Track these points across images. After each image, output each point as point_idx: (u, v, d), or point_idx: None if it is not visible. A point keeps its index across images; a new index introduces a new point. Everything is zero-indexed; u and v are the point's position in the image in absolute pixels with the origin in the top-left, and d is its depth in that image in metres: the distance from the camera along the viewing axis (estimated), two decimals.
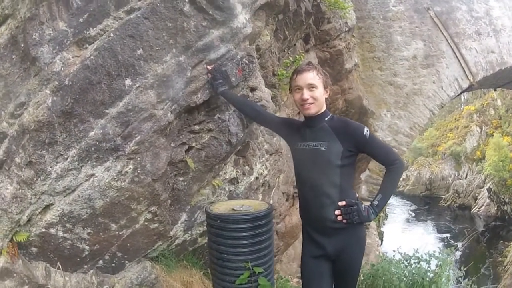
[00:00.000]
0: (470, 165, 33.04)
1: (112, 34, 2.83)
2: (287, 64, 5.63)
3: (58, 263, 3.13)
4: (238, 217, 3.05)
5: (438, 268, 5.03)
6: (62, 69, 2.78)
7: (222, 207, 3.33)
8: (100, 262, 3.35)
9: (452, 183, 33.17)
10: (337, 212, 2.57)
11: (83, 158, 2.90)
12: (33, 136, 2.80)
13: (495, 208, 26.85)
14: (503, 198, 26.40)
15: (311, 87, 2.62)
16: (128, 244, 3.37)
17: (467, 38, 10.94)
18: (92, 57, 2.79)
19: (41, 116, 2.75)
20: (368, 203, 2.62)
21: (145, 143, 3.03)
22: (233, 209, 3.21)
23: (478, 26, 11.13)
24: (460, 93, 11.82)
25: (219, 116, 3.55)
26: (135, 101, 2.92)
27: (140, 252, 3.52)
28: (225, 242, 3.05)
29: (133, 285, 3.51)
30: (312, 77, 2.63)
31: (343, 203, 2.58)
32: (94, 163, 2.94)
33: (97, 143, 2.89)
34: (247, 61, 3.47)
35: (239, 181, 4.13)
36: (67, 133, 2.84)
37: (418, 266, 5.19)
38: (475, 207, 28.86)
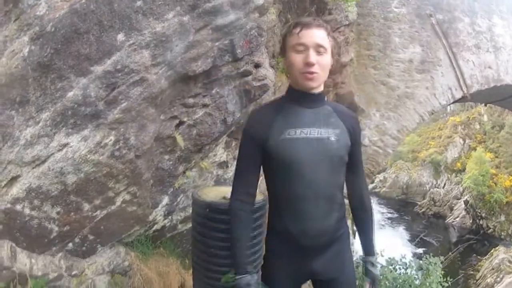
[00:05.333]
0: (449, 175, 33.32)
1: None
2: None
3: (24, 243, 2.74)
4: None
5: (426, 276, 4.83)
6: (47, 13, 2.42)
7: (211, 193, 2.96)
8: (70, 244, 2.98)
9: (429, 190, 33.32)
10: None
11: (57, 123, 2.53)
12: (2, 92, 2.41)
13: (471, 221, 27.10)
14: (479, 212, 26.65)
15: (320, 49, 1.79)
16: (102, 227, 3.02)
17: (466, 50, 10.96)
18: (83, 0, 2.41)
19: (14, 68, 2.39)
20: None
21: (132, 111, 2.66)
22: (224, 197, 2.85)
23: (479, 40, 11.20)
24: (452, 103, 11.81)
25: (218, 90, 3.20)
26: (126, 61, 2.55)
27: (115, 236, 3.19)
28: (213, 234, 2.70)
29: (105, 271, 3.21)
30: (323, 36, 1.80)
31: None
32: (70, 130, 2.56)
33: (76, 106, 2.51)
34: (256, 33, 3.16)
35: (229, 165, 3.87)
36: (42, 91, 2.47)
37: (406, 272, 5.02)
38: (450, 217, 29.07)
